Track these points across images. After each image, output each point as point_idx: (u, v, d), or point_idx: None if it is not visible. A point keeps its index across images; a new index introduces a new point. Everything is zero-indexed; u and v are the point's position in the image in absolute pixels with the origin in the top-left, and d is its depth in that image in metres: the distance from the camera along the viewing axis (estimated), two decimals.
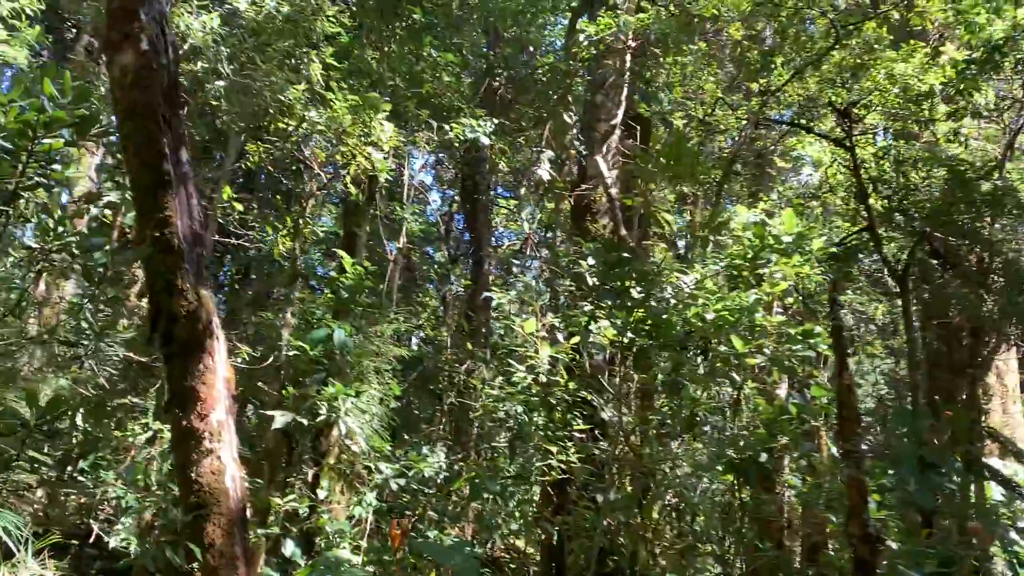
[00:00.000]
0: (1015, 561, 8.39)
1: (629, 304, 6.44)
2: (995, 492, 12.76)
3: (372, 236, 15.42)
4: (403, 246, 14.06)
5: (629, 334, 6.52)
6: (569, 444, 7.38)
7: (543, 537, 8.68)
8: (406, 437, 14.41)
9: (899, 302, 13.52)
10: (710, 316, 6.66)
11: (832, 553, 8.89)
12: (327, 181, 11.21)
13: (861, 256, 13.10)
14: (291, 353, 8.96)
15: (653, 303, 6.37)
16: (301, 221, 10.02)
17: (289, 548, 8.52)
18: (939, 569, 7.82)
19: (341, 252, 9.99)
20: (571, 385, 7.32)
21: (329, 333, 8.61)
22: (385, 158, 10.67)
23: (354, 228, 12.45)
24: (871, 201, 12.48)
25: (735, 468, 6.75)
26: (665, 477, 7.04)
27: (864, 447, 5.92)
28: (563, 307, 8.37)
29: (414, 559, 7.57)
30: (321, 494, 8.65)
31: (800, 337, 6.61)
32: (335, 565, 6.87)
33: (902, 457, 9.13)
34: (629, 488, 7.46)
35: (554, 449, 6.96)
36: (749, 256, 6.92)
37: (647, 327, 6.57)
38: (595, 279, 7.05)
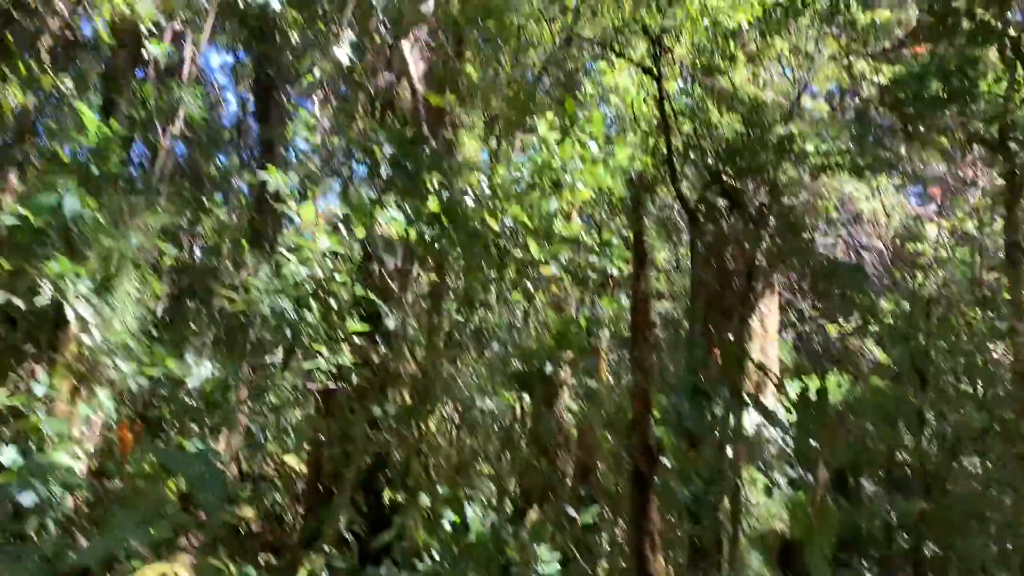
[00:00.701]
0: (768, 481, 8.81)
1: (423, 194, 5.80)
2: (753, 420, 13.75)
3: (148, 119, 13.60)
4: (179, 130, 12.51)
5: (423, 228, 5.88)
6: (345, 348, 6.70)
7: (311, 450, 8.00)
8: (167, 339, 13.09)
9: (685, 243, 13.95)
10: (508, 221, 6.20)
11: (604, 475, 9.03)
12: (69, 24, 9.42)
13: (658, 189, 13.32)
14: (11, 222, 7.44)
15: (450, 197, 5.78)
16: (36, 68, 8.34)
17: (5, 453, 7.21)
18: (705, 487, 8.05)
19: (82, 107, 8.42)
20: (349, 282, 6.58)
21: (59, 200, 7.20)
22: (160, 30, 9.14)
23: (113, 95, 10.73)
24: (672, 137, 12.63)
25: (519, 380, 6.42)
26: (447, 389, 6.55)
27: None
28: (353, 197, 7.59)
29: (150, 467, 6.65)
30: (39, 389, 7.35)
31: (597, 247, 6.33)
32: (44, 469, 5.82)
33: (677, 384, 9.31)
34: (408, 400, 6.90)
35: (325, 351, 6.24)
36: (553, 162, 6.48)
37: (442, 225, 5.98)
38: (389, 169, 6.32)
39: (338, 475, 7.51)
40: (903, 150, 16.80)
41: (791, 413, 13.67)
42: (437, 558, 5.54)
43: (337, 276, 6.39)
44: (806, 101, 15.09)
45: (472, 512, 6.65)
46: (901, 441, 19.28)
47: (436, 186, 5.94)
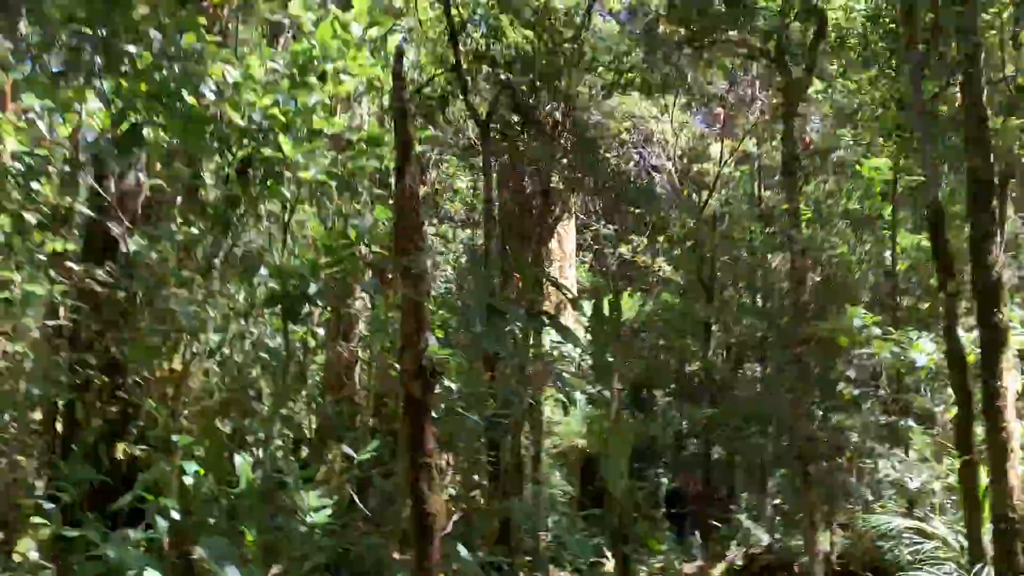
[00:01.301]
0: (566, 399, 8.52)
1: (125, 66, 4.56)
2: (552, 340, 13.63)
3: None
4: None
5: (128, 113, 4.66)
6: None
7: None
8: None
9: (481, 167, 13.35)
10: (256, 116, 5.16)
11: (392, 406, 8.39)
12: None
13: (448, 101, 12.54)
14: None
15: (164, 72, 4.54)
16: None
17: None
18: (499, 411, 7.56)
19: None
20: (51, 192, 5.23)
21: None
22: None
23: None
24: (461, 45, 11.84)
25: (278, 304, 5.50)
26: (196, 319, 5.48)
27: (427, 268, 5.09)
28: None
29: None
30: None
31: (365, 145, 5.46)
32: None
33: (471, 301, 8.70)
34: (148, 336, 5.75)
35: (17, 278, 4.93)
36: (313, 50, 5.47)
37: (157, 108, 4.76)
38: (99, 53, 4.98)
39: (75, 427, 6.25)
40: (689, 71, 16.95)
41: (588, 332, 13.64)
42: (178, 516, 4.63)
43: (38, 185, 5.07)
44: (597, 21, 14.77)
45: (242, 460, 5.71)
46: (690, 353, 20.28)
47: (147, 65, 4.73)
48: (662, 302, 19.83)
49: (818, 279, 12.57)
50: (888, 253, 12.72)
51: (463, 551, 5.53)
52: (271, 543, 5.57)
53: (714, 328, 17.85)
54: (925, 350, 6.91)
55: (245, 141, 5.22)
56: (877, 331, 7.36)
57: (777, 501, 13.06)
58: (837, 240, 13.82)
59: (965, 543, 5.54)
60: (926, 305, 11.45)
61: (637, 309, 20.40)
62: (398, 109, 4.18)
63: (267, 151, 5.27)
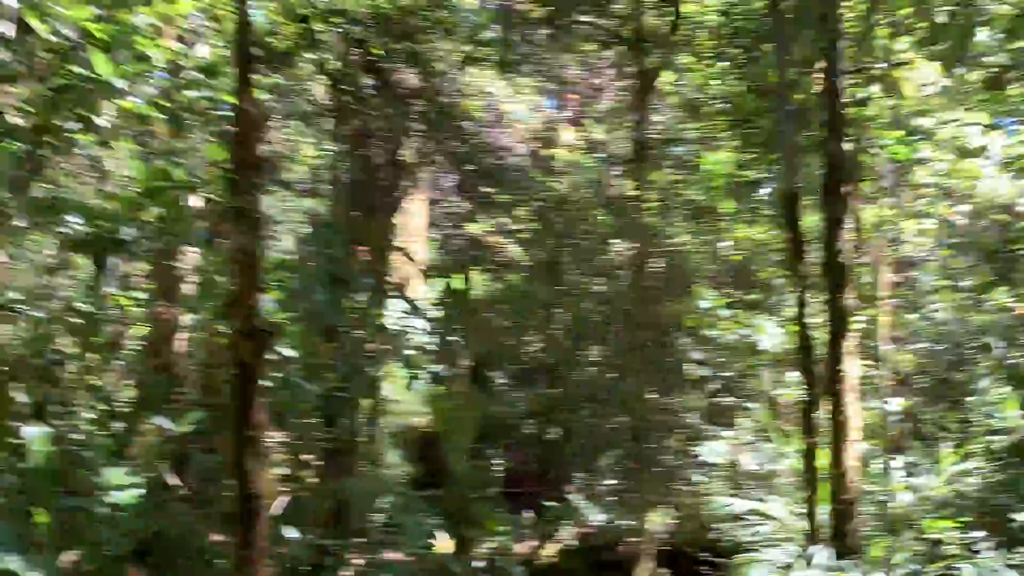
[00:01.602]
0: (410, 375, 8.18)
1: None
2: (396, 315, 13.18)
3: None
4: None
5: None
6: None
7: None
8: None
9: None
10: (68, 31, 4.41)
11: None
12: None
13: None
14: None
15: None
16: None
17: None
18: (339, 383, 7.11)
19: None
20: None
21: None
22: None
23: None
24: None
25: (89, 248, 4.79)
26: None
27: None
28: None
29: None
30: None
31: (202, 73, 4.84)
32: None
33: (313, 270, 8.15)
34: None
35: None
36: None
37: None
38: None
39: None
40: (545, 53, 16.92)
41: (435, 309, 13.37)
42: None
43: None
44: None
45: (35, 432, 4.94)
46: (532, 334, 20.43)
47: None
48: (508, 283, 19.80)
49: (660, 266, 12.86)
50: (725, 244, 13.20)
51: (292, 533, 5.06)
52: (67, 526, 4.87)
53: (558, 311, 18.01)
54: (770, 334, 7.13)
55: (52, 59, 4.47)
56: (725, 312, 7.51)
57: (612, 481, 13.32)
58: (678, 230, 14.22)
59: (804, 524, 5.74)
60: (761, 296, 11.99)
61: (485, 289, 20.29)
62: (240, 24, 3.64)
63: (79, 71, 4.54)
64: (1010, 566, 5.55)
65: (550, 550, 12.10)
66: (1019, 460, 6.59)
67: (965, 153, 7.74)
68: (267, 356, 3.58)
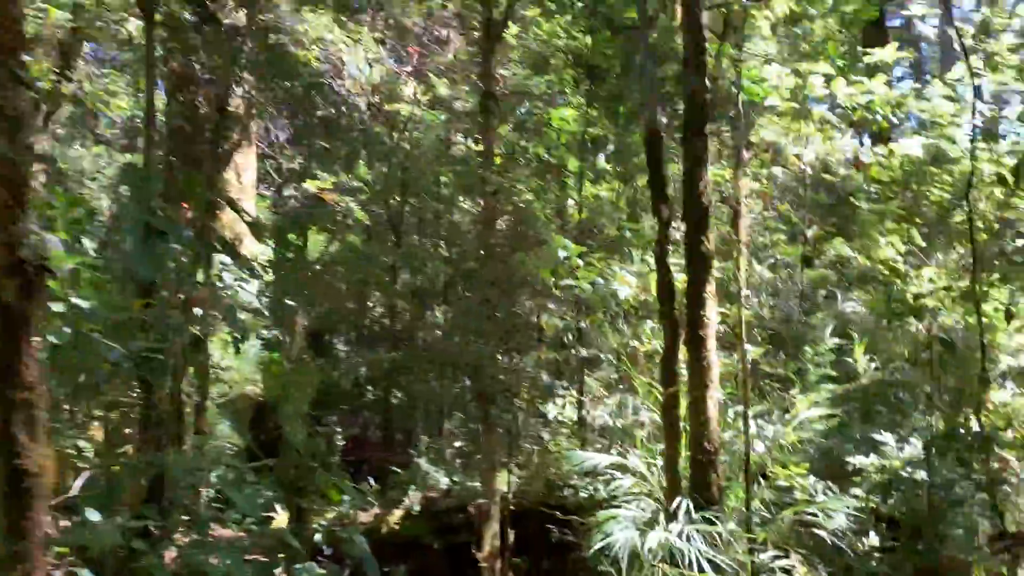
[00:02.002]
0: (240, 338, 7.42)
1: None
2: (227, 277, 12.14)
3: None
4: None
5: None
6: None
7: None
8: None
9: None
10: None
11: None
12: None
13: None
14: None
15: None
16: None
17: None
18: (154, 345, 6.28)
19: None
20: None
21: None
22: None
23: None
24: None
25: None
26: None
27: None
28: None
29: None
30: None
31: None
32: None
33: (126, 220, 7.18)
34: None
35: None
36: None
37: None
38: None
39: None
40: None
41: (267, 271, 12.51)
42: None
43: None
44: None
45: None
46: (373, 297, 19.73)
47: None
48: (348, 244, 18.94)
49: (506, 223, 12.56)
50: (571, 202, 13.09)
51: (93, 515, 4.31)
52: None
53: (400, 272, 17.42)
54: (628, 282, 6.95)
55: None
56: (580, 262, 7.26)
57: (457, 444, 13.04)
58: (524, 188, 13.96)
59: (663, 477, 5.60)
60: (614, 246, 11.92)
61: (322, 250, 19.32)
62: None
63: None
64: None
65: (395, 517, 11.67)
66: (859, 406, 6.84)
67: (802, 109, 7.90)
68: (40, 300, 2.86)
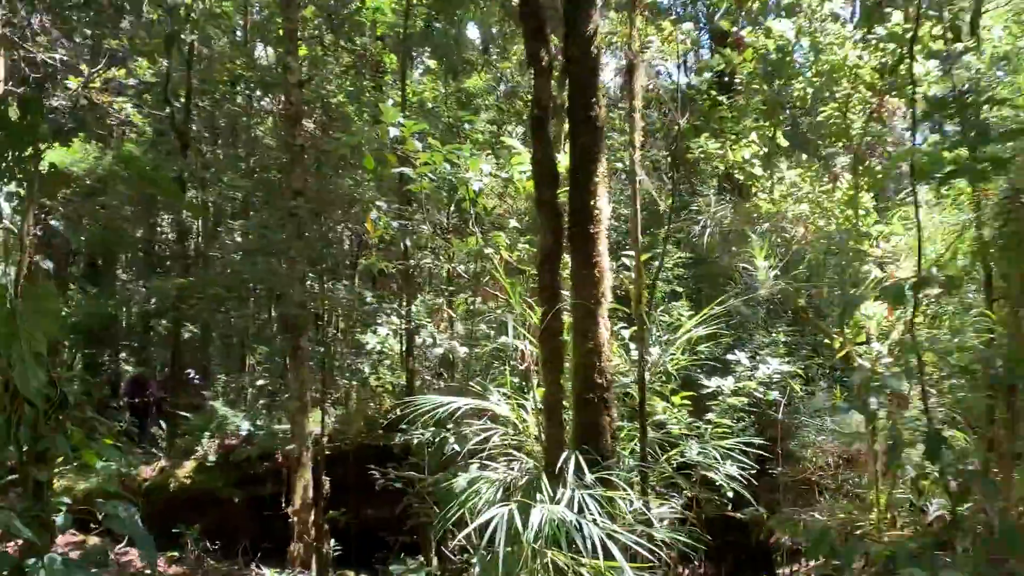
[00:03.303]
0: None
1: None
2: None
3: None
4: None
5: None
6: None
7: None
8: None
9: None
10: None
11: None
12: None
13: None
14: None
15: None
16: None
17: None
18: None
19: None
20: None
21: None
22: None
23: None
24: None
25: None
26: None
27: None
28: None
29: None
30: None
31: None
32: None
33: None
34: None
35: None
36: None
37: None
38: None
39: None
40: None
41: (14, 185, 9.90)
42: None
43: None
44: None
45: None
46: (161, 214, 17.10)
47: None
48: (126, 154, 16.08)
49: (315, 124, 10.76)
50: (391, 103, 11.42)
51: None
52: None
53: (191, 187, 15.03)
54: (483, 171, 5.54)
55: None
56: (418, 145, 5.75)
57: (261, 382, 11.33)
58: (336, 90, 12.11)
59: (543, 425, 4.27)
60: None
61: (92, 161, 16.37)
62: None
63: None
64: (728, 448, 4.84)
65: (186, 469, 9.89)
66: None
67: None
68: None
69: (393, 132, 5.49)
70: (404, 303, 8.14)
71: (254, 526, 9.43)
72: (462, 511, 3.79)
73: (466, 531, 3.37)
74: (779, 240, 6.21)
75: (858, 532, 5.21)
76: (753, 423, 8.50)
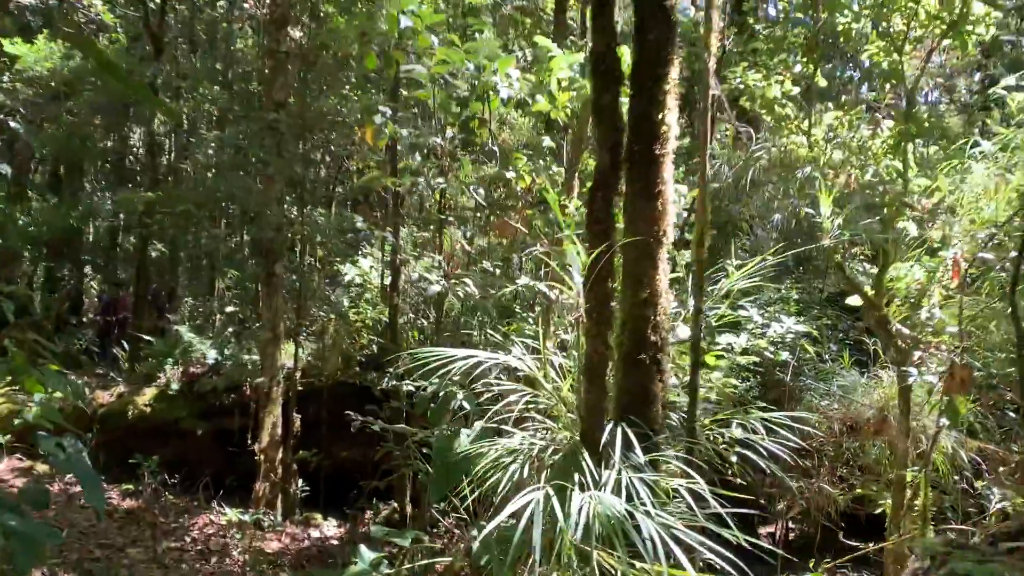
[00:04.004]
0: None
1: None
2: None
3: None
4: None
5: None
6: None
7: None
8: None
9: None
10: None
11: None
12: None
13: None
14: None
15: None
16: None
17: None
18: None
19: None
20: None
21: None
22: None
23: None
24: None
25: None
26: None
27: None
28: None
29: None
30: None
31: None
32: None
33: None
34: None
35: None
36: None
37: None
38: None
39: None
40: None
41: None
42: None
43: None
44: None
45: None
46: (132, 123, 16.04)
47: None
48: (96, 56, 14.97)
49: (301, 34, 9.82)
50: (382, 24, 10.46)
51: None
52: None
53: (165, 94, 14.00)
54: (511, 76, 4.76)
55: None
56: (433, 40, 4.93)
57: (230, 309, 10.60)
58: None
59: (577, 385, 3.46)
60: None
61: (58, 61, 15.23)
62: None
63: None
64: None
65: (146, 397, 9.24)
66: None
67: None
68: None
69: (404, 22, 4.68)
70: (391, 232, 7.42)
71: (218, 461, 8.84)
72: (467, 477, 3.16)
73: (498, 518, 2.66)
74: (816, 188, 5.56)
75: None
76: (759, 383, 8.02)
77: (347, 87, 10.08)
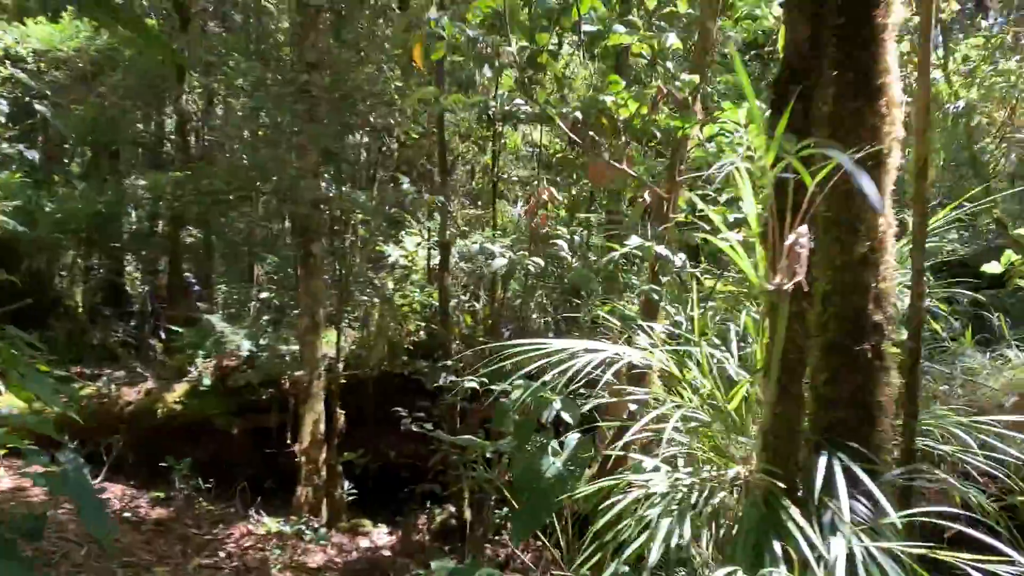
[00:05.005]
0: None
1: None
2: None
3: None
4: None
5: None
6: None
7: None
8: None
9: None
10: None
11: None
12: None
13: None
14: None
15: None
16: None
17: None
18: None
19: None
20: None
21: None
22: None
23: None
24: None
25: None
26: None
27: None
28: None
29: None
30: None
31: None
32: None
33: None
34: None
35: None
36: None
37: None
38: None
39: None
40: None
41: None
42: None
43: None
44: None
45: None
46: (165, 100, 15.34)
47: None
48: (125, 37, 14.22)
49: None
50: None
51: None
52: None
53: (194, 69, 13.22)
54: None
55: None
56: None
57: (264, 295, 9.75)
58: None
59: (760, 390, 2.39)
60: None
61: (83, 40, 14.54)
62: None
63: None
64: None
65: (176, 393, 8.45)
66: None
67: None
68: None
69: None
70: (441, 201, 6.46)
71: (254, 462, 8.03)
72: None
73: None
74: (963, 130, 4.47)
75: None
76: None
77: (384, 52, 9.12)
